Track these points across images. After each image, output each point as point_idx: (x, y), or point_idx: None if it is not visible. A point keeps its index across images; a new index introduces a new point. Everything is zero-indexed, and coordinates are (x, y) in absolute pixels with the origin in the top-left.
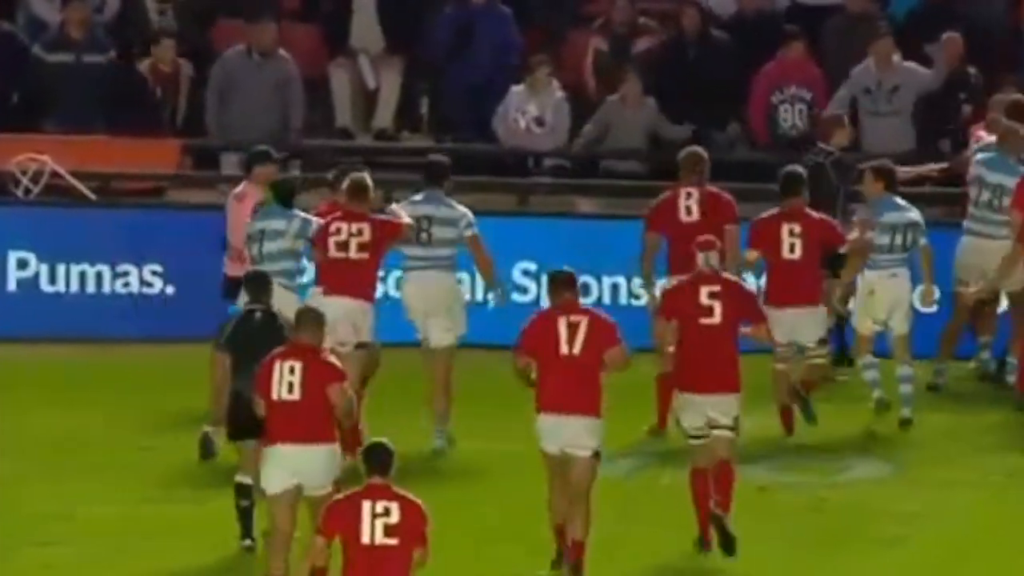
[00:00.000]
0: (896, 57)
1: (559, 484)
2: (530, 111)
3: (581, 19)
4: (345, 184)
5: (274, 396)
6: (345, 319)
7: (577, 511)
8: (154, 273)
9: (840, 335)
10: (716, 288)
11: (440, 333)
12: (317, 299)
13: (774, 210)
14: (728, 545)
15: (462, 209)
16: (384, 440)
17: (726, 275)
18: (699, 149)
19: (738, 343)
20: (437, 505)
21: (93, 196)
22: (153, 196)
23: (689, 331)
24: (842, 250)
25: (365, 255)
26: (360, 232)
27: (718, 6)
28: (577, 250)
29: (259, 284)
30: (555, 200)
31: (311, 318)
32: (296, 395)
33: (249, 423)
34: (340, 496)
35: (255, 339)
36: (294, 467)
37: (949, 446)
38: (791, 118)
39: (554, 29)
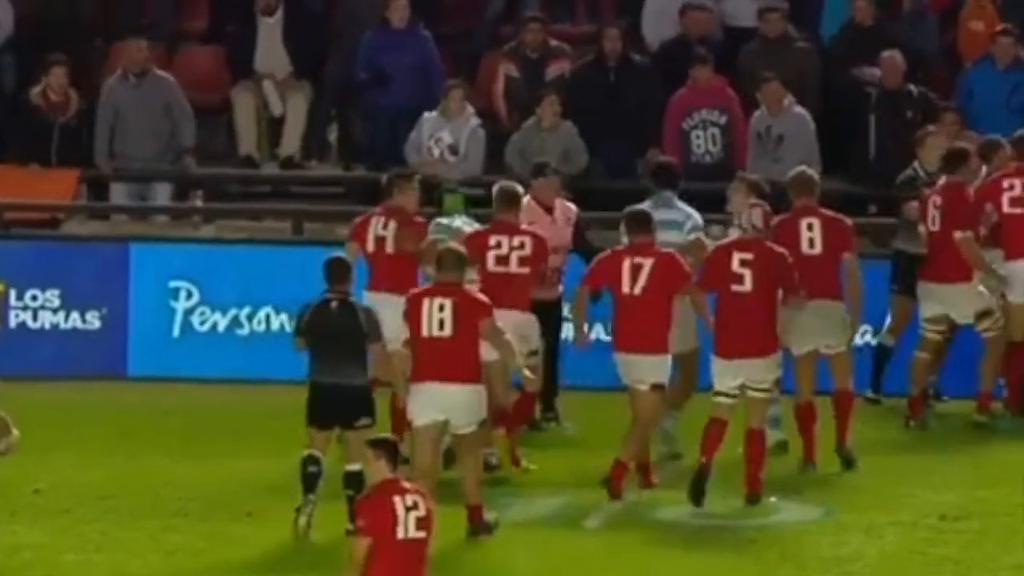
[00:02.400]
0: (787, 101)
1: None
2: (444, 138)
3: (496, 42)
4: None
5: (424, 333)
6: (514, 332)
7: (630, 435)
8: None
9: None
10: (749, 256)
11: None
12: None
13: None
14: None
15: (688, 210)
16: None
17: (764, 241)
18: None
19: (774, 308)
20: None
21: None
22: (49, 227)
23: (722, 298)
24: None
25: (526, 269)
26: (522, 246)
27: (658, 32)
28: None
29: (339, 271)
30: None
31: (453, 256)
32: (447, 331)
33: (329, 412)
34: (368, 494)
35: (332, 327)
36: (442, 404)
37: (883, 487)
38: (704, 144)
39: (468, 53)
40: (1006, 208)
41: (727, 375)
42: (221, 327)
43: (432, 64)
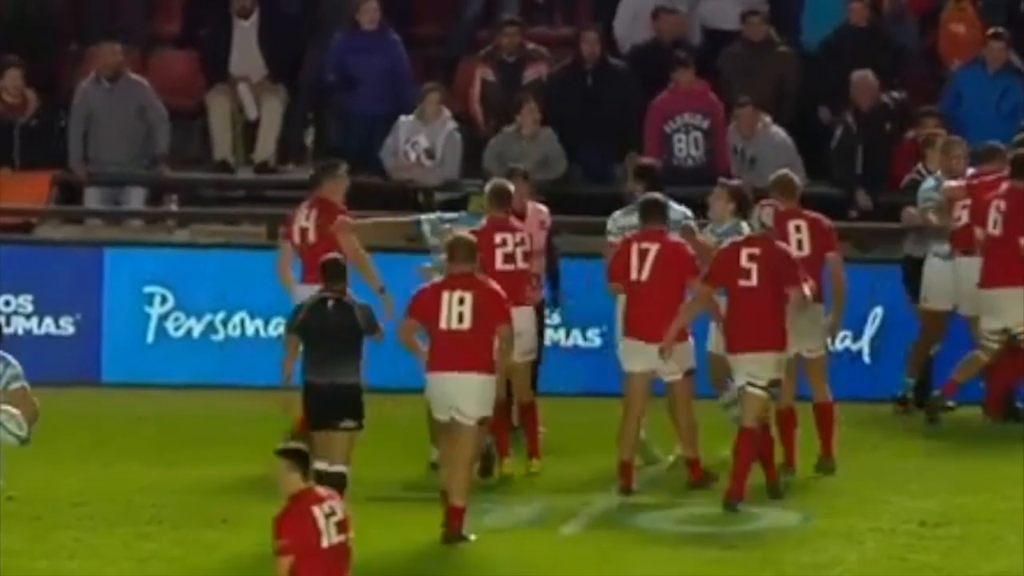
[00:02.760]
0: (761, 124)
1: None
2: (420, 143)
3: (473, 46)
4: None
5: (442, 325)
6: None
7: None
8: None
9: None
10: (756, 251)
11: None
12: None
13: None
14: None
15: (681, 208)
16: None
17: (772, 239)
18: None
19: (780, 305)
20: None
21: None
22: (22, 231)
23: (730, 293)
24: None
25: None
26: (523, 241)
27: (632, 35)
28: None
29: (334, 270)
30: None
31: (464, 246)
32: (466, 325)
33: (322, 412)
34: (287, 509)
35: (327, 326)
36: (455, 394)
37: (863, 493)
38: (686, 148)
39: (445, 57)
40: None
41: (739, 372)
42: (196, 333)
43: (401, 67)
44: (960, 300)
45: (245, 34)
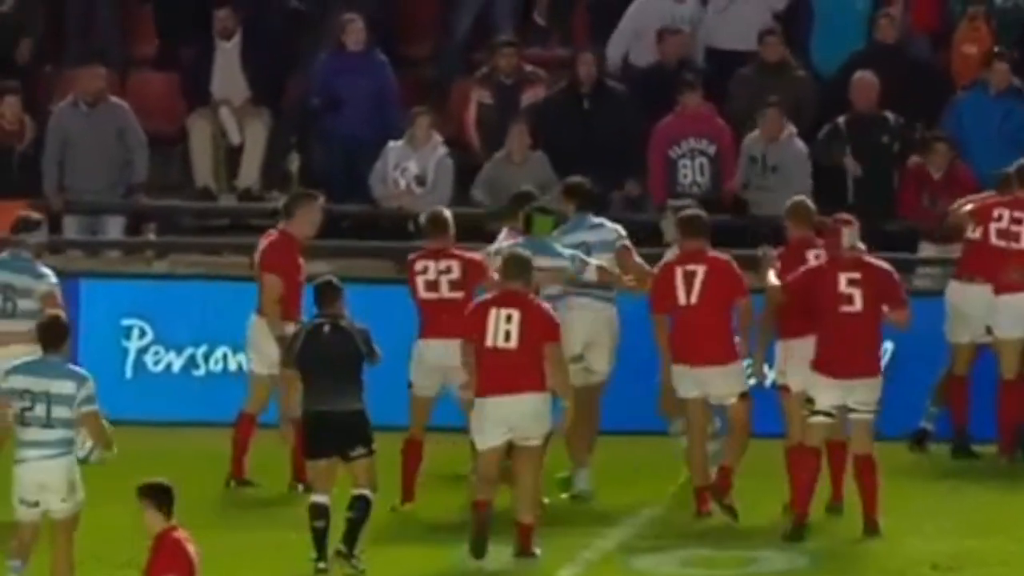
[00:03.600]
0: (787, 132)
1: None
2: (410, 169)
3: (467, 68)
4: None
5: (488, 343)
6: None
7: (734, 444)
8: None
9: None
10: (856, 275)
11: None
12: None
13: None
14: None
15: (614, 226)
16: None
17: (866, 257)
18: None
19: (880, 327)
20: None
21: None
22: None
23: (828, 317)
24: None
25: (459, 294)
26: (449, 270)
27: (633, 55)
28: None
29: (328, 294)
30: None
31: (516, 262)
32: (513, 344)
33: (327, 441)
34: (157, 549)
35: (327, 352)
36: (508, 418)
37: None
38: (691, 174)
39: (437, 79)
40: (993, 239)
41: (831, 394)
42: (176, 367)
43: (388, 89)
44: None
45: (227, 56)
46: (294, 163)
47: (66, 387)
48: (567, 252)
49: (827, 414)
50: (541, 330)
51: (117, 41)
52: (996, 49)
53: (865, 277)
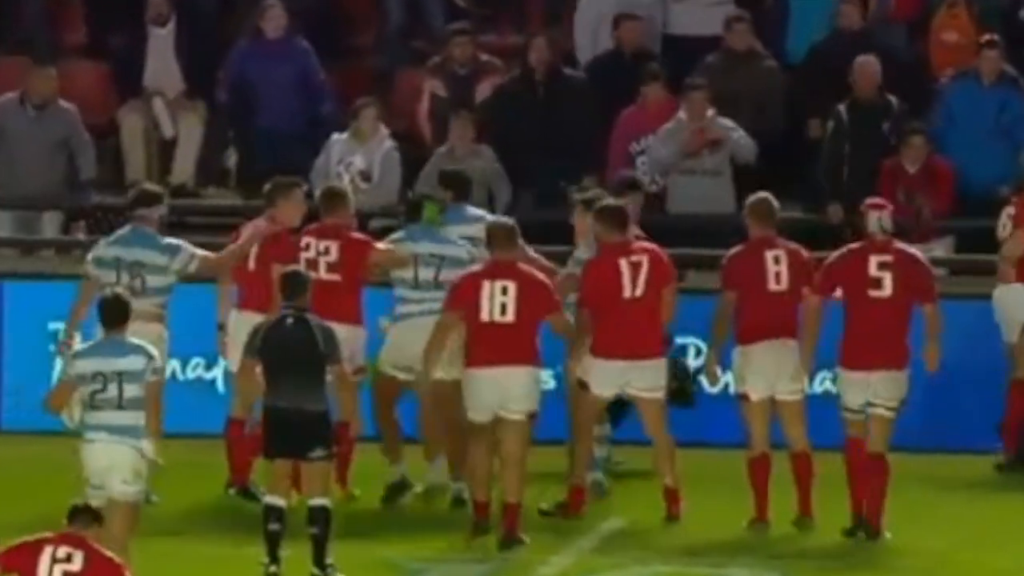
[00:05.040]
0: (710, 113)
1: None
2: (355, 163)
3: (414, 56)
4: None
5: (484, 317)
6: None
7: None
8: None
9: None
10: (888, 258)
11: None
12: None
13: None
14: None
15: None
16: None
17: (898, 243)
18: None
19: (909, 318)
20: None
21: None
22: None
23: (857, 304)
24: None
25: (335, 276)
26: (328, 251)
27: (597, 43)
28: None
29: (294, 285)
30: None
31: (503, 231)
32: (510, 317)
33: (285, 439)
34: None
35: (288, 346)
36: (498, 391)
37: (847, 545)
38: (651, 171)
39: (381, 69)
40: None
41: (856, 390)
42: None
43: (312, 78)
44: None
45: (161, 43)
46: (231, 159)
47: (136, 363)
48: (460, 240)
49: (854, 411)
50: (540, 306)
51: (43, 27)
52: (987, 37)
53: (897, 261)
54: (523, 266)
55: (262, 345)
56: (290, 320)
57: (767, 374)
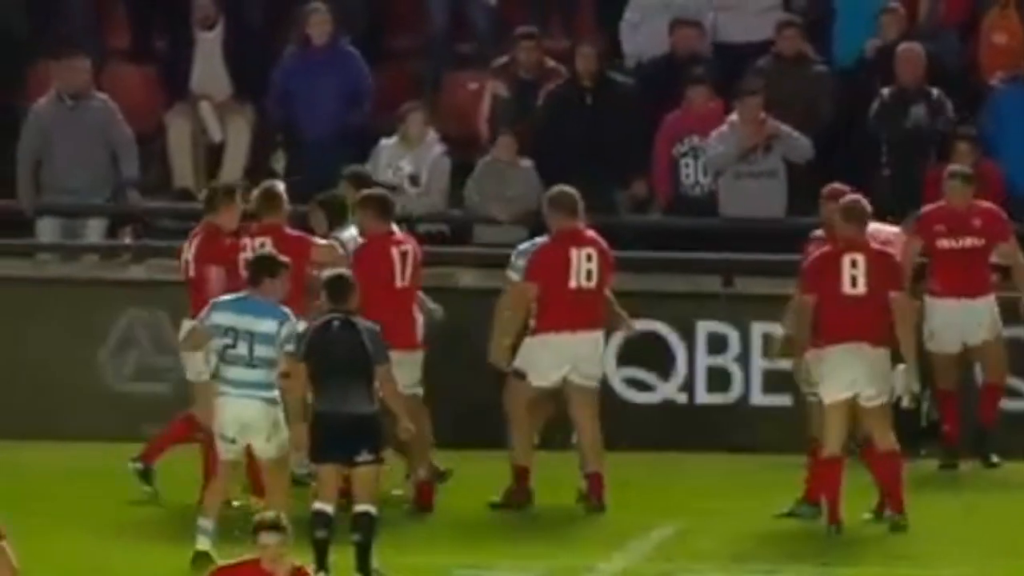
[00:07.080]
0: (763, 116)
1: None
2: (404, 168)
3: (459, 59)
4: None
5: (572, 284)
6: None
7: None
8: None
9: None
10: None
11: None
12: None
13: None
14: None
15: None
16: None
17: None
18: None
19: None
20: None
21: None
22: None
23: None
24: None
25: None
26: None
27: (645, 49)
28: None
29: (340, 289)
30: (431, 272)
31: (568, 198)
32: (594, 283)
33: (332, 444)
34: None
35: (334, 350)
36: (568, 355)
37: (896, 547)
38: (694, 174)
39: (426, 72)
40: None
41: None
42: None
43: (360, 85)
44: None
45: (208, 47)
46: (279, 162)
47: (269, 326)
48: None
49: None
50: (609, 268)
51: (92, 31)
52: None
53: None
54: (592, 232)
55: (307, 350)
56: (336, 323)
57: (845, 377)
